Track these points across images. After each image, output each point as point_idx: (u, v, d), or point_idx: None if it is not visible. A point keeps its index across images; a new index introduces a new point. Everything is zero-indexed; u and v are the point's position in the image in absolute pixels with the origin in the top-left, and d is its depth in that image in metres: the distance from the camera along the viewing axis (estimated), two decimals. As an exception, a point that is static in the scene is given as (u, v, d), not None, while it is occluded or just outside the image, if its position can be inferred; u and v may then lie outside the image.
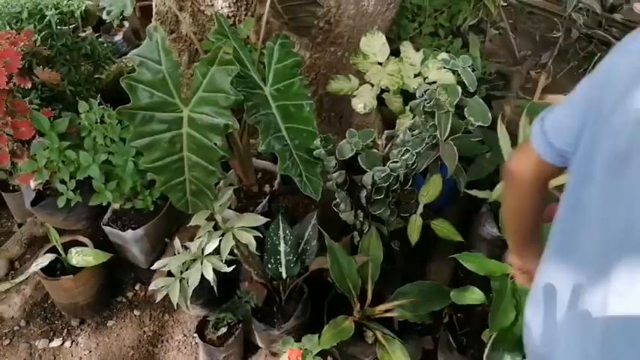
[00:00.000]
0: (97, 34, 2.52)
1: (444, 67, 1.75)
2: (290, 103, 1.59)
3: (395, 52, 1.90)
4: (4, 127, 1.62)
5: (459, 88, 1.64)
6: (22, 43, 1.66)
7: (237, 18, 2.21)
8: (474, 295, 1.46)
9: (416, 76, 1.83)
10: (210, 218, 1.68)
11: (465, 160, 1.80)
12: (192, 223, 1.67)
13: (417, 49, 1.89)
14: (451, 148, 1.63)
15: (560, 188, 0.84)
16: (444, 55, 1.77)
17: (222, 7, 2.16)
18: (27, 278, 1.86)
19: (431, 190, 1.66)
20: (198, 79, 1.40)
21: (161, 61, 1.39)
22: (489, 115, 1.68)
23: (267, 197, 1.97)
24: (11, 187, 2.14)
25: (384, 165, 1.59)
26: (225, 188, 1.76)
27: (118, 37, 2.80)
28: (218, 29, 1.56)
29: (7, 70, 1.54)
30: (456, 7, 2.56)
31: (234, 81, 1.39)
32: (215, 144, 1.42)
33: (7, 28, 1.88)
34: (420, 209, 1.69)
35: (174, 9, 2.12)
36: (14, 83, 1.62)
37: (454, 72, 1.75)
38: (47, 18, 1.93)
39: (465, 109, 1.68)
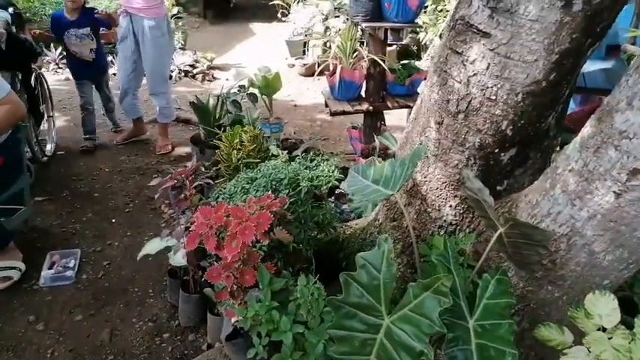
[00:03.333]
0: (330, 199, 2.85)
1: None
2: (492, 346, 1.50)
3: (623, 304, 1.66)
4: (235, 271, 1.90)
5: None
6: (276, 208, 1.98)
7: (458, 227, 2.28)
8: None
9: (651, 361, 1.56)
10: None
11: None
12: None
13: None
14: None
15: None
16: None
17: (447, 214, 2.27)
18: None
19: None
20: (409, 297, 1.45)
21: (381, 270, 1.49)
22: None
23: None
24: (216, 312, 2.42)
25: None
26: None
27: (346, 207, 3.13)
28: (442, 251, 1.62)
29: (257, 229, 1.84)
30: None
31: (442, 311, 1.40)
32: (404, 364, 1.40)
33: (270, 190, 2.28)
34: None
35: (400, 205, 2.29)
36: (256, 237, 1.90)
37: None
38: (300, 188, 2.29)
39: None
